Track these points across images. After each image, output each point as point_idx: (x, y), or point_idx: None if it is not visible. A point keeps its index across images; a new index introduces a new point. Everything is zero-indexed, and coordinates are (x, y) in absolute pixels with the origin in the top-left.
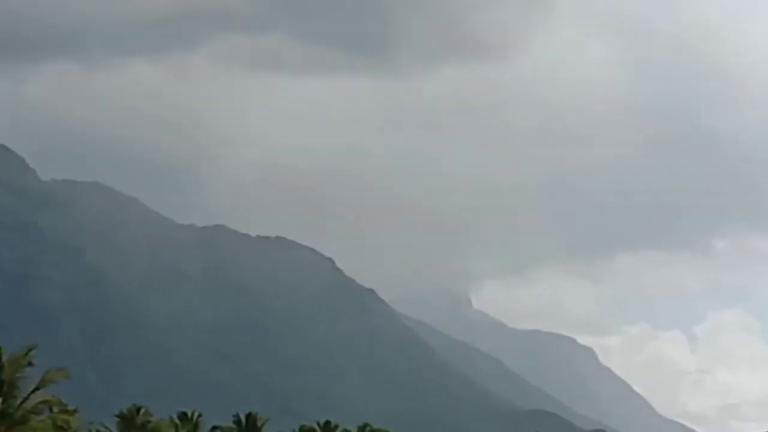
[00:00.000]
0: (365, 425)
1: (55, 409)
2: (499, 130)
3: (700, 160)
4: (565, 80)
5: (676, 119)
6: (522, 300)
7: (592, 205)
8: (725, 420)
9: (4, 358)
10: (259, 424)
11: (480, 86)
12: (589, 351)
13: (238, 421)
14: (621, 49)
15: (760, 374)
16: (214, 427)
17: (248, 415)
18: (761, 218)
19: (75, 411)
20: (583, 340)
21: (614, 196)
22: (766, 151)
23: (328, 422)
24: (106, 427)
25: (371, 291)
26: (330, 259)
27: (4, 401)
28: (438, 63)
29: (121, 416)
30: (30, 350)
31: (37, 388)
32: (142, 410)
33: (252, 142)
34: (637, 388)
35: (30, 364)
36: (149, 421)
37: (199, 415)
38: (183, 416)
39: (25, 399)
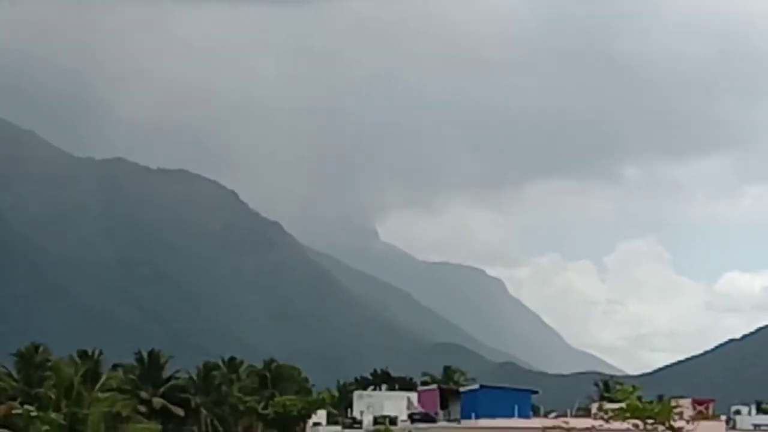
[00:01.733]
0: (271, 360)
1: None
2: (405, 57)
3: (612, 86)
4: (471, 6)
5: (588, 44)
6: (430, 231)
7: (500, 132)
8: (636, 350)
9: None
10: (162, 361)
11: (385, 13)
12: (498, 282)
13: (140, 359)
14: None
15: (670, 304)
16: (116, 365)
17: (150, 353)
18: (672, 146)
19: None
20: (492, 271)
21: (522, 123)
22: (677, 77)
23: (233, 358)
24: (4, 367)
25: (276, 224)
26: (233, 192)
27: None
28: None
29: (19, 355)
30: None
31: None
32: (41, 349)
33: (151, 72)
34: (546, 320)
35: None
36: (48, 360)
37: (100, 353)
38: (83, 354)
39: None
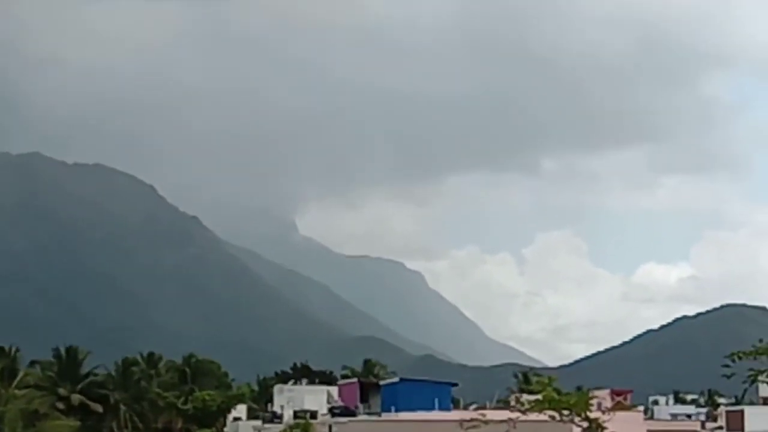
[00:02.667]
0: (190, 356)
1: None
2: (326, 47)
3: (530, 77)
4: None
5: (507, 34)
6: (349, 224)
7: (420, 124)
8: (555, 342)
9: None
10: (80, 357)
11: (305, 1)
12: (417, 275)
13: (58, 355)
14: None
15: (588, 296)
16: (33, 362)
17: (68, 349)
18: (590, 137)
19: None
20: (411, 264)
21: (442, 114)
22: (595, 68)
23: (151, 354)
24: None
25: (195, 218)
26: (151, 186)
27: None
28: None
29: None
30: None
31: None
32: None
33: (67, 65)
34: (466, 312)
35: None
36: None
37: (17, 350)
38: (0, 351)
39: None
